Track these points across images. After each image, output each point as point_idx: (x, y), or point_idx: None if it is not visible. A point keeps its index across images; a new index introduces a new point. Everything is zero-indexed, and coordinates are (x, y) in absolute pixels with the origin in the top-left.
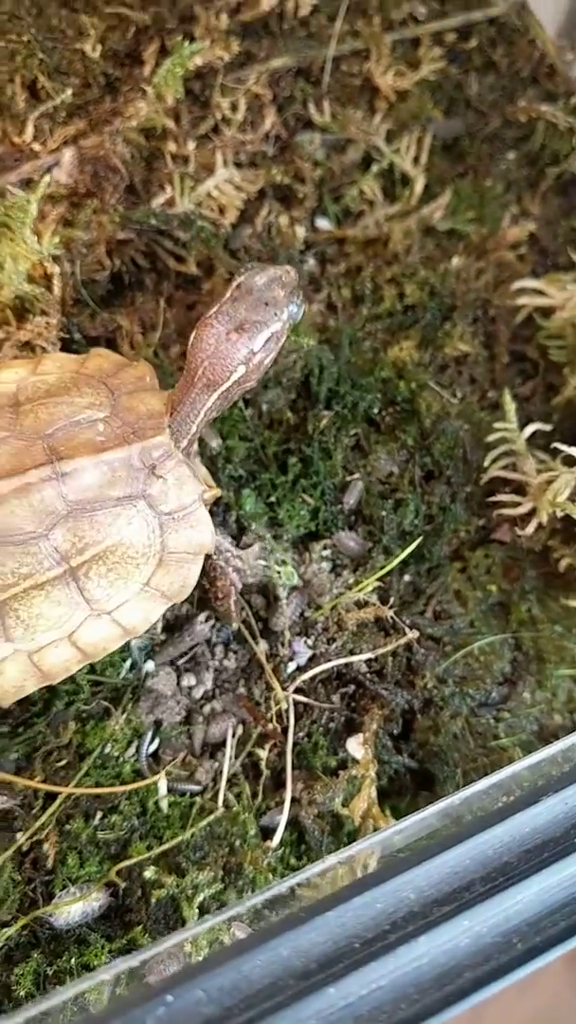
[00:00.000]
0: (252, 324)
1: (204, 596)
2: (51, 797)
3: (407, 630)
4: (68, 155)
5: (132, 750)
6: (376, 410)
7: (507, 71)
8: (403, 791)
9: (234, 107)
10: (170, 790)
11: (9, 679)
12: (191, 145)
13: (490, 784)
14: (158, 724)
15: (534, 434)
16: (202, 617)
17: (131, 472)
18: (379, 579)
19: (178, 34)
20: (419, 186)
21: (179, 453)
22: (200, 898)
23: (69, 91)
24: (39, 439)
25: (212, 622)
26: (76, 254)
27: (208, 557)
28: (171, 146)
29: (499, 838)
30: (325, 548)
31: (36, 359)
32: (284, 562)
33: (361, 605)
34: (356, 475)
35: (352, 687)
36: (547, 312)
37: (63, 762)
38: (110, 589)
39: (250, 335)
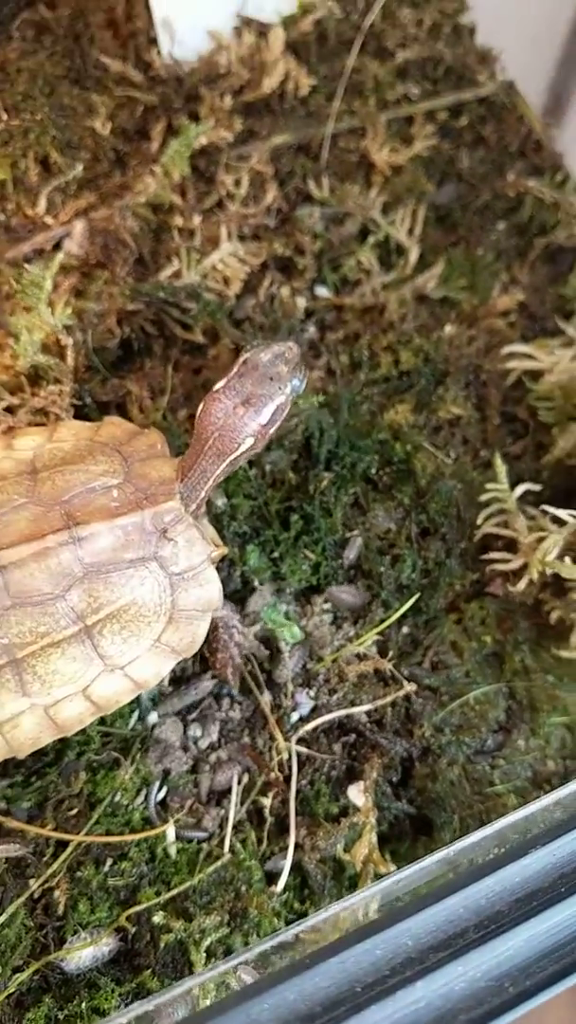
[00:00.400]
0: (258, 398)
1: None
2: (63, 845)
3: (404, 682)
4: (79, 228)
5: (141, 798)
6: (374, 470)
7: (496, 146)
8: (403, 836)
9: (237, 183)
10: (178, 837)
11: (26, 732)
12: (197, 219)
13: (484, 835)
14: (166, 773)
15: (525, 492)
16: (208, 673)
17: (144, 535)
18: (378, 632)
19: (184, 113)
20: (413, 256)
21: (189, 516)
22: (207, 942)
23: (80, 166)
24: (56, 505)
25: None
26: (88, 324)
27: (214, 628)
28: (178, 220)
29: (491, 888)
30: (326, 601)
31: (52, 427)
32: (288, 618)
33: (361, 658)
34: (355, 532)
35: (353, 736)
36: (536, 375)
37: (74, 811)
38: (123, 646)
39: (256, 409)
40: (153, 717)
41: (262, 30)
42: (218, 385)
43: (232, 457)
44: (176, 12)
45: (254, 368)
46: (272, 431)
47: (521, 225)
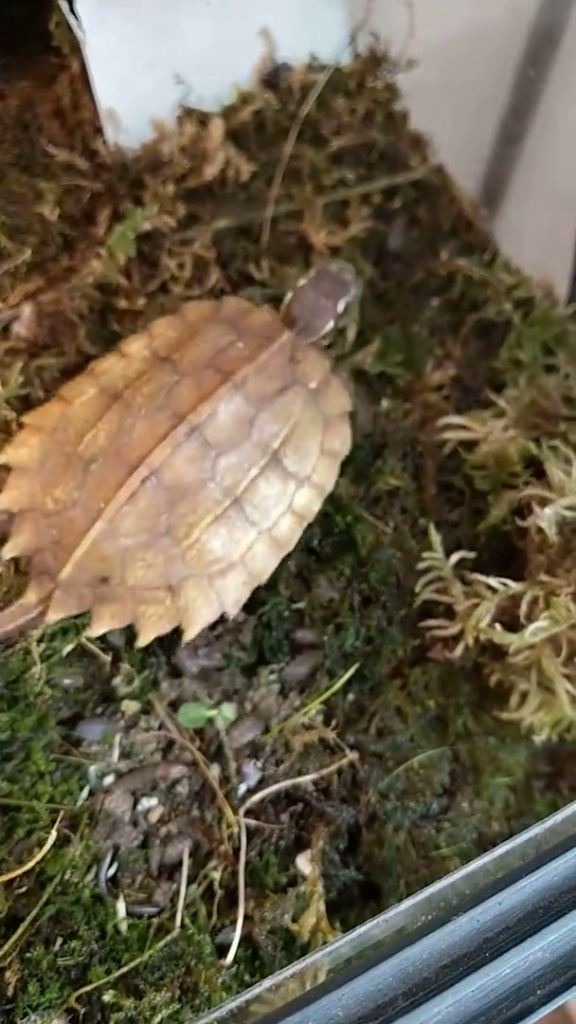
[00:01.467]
0: (334, 295)
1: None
2: (13, 925)
3: (347, 751)
4: (27, 311)
5: (91, 875)
6: (316, 541)
7: (430, 226)
8: (352, 902)
9: (181, 266)
10: (128, 913)
11: (260, 558)
12: (141, 301)
13: (414, 903)
14: (116, 849)
15: (463, 559)
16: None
17: (279, 366)
18: (322, 702)
19: (129, 199)
20: (352, 334)
21: (302, 342)
22: (157, 1019)
23: (28, 251)
24: (204, 369)
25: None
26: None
27: None
28: (123, 302)
29: (418, 955)
30: (272, 673)
31: (141, 333)
32: (218, 706)
33: (307, 727)
34: (300, 603)
35: (300, 805)
36: (470, 445)
37: (24, 889)
38: (303, 460)
39: (334, 302)
40: (107, 788)
41: (203, 119)
42: (301, 282)
43: (316, 337)
44: (120, 103)
45: (327, 274)
46: (343, 320)
47: (453, 302)
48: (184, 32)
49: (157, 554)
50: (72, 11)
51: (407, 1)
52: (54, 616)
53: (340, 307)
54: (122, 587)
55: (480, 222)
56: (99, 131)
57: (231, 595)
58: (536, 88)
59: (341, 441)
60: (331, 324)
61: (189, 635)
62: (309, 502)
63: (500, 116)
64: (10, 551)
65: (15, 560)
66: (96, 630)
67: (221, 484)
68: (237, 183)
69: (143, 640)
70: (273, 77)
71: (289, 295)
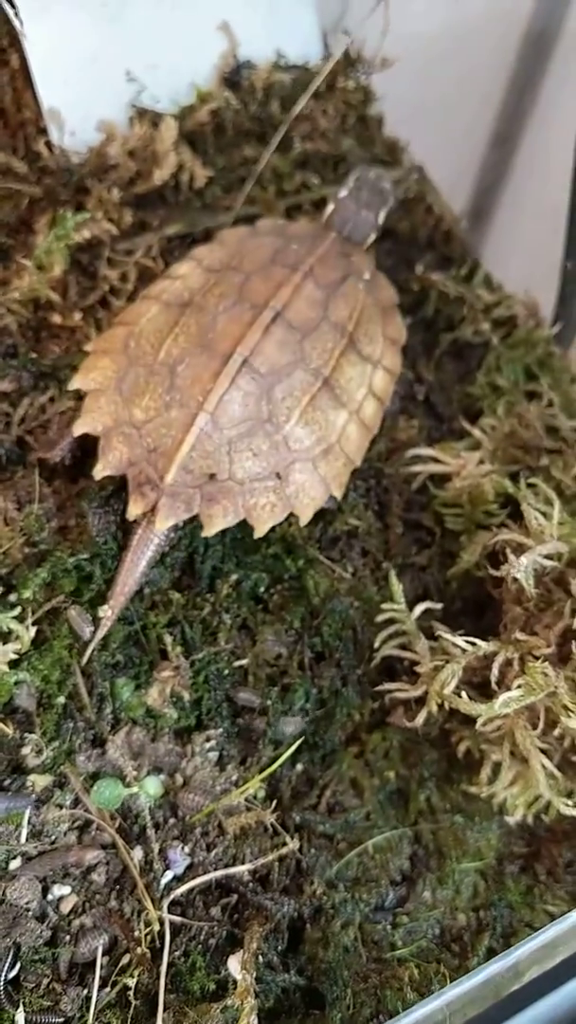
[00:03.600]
0: (374, 204)
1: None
2: None
3: (288, 840)
4: None
5: None
6: (263, 589)
7: (407, 237)
8: (293, 1011)
9: (123, 277)
10: None
11: (354, 440)
12: (77, 316)
13: None
14: (17, 947)
15: (430, 608)
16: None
17: (334, 259)
18: (262, 780)
19: (71, 206)
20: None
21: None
22: None
23: None
24: (270, 265)
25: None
26: None
27: None
28: (56, 318)
29: None
30: (208, 740)
31: (185, 260)
32: (137, 779)
33: (246, 808)
34: (244, 659)
35: (234, 897)
36: (442, 480)
37: None
38: (372, 344)
39: (374, 212)
40: (12, 867)
41: (156, 120)
42: (342, 193)
43: (360, 245)
44: (64, 101)
45: (366, 183)
46: (381, 228)
47: (427, 320)
48: (135, 25)
49: (263, 441)
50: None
51: None
52: (163, 524)
53: (381, 218)
54: (231, 481)
55: (460, 233)
56: (43, 132)
57: (335, 477)
58: (527, 96)
59: (398, 329)
60: (373, 236)
61: (304, 520)
62: (386, 385)
63: (488, 125)
64: (103, 470)
65: None
66: (210, 530)
67: (310, 366)
68: (191, 188)
69: (259, 532)
70: (235, 76)
71: (331, 206)
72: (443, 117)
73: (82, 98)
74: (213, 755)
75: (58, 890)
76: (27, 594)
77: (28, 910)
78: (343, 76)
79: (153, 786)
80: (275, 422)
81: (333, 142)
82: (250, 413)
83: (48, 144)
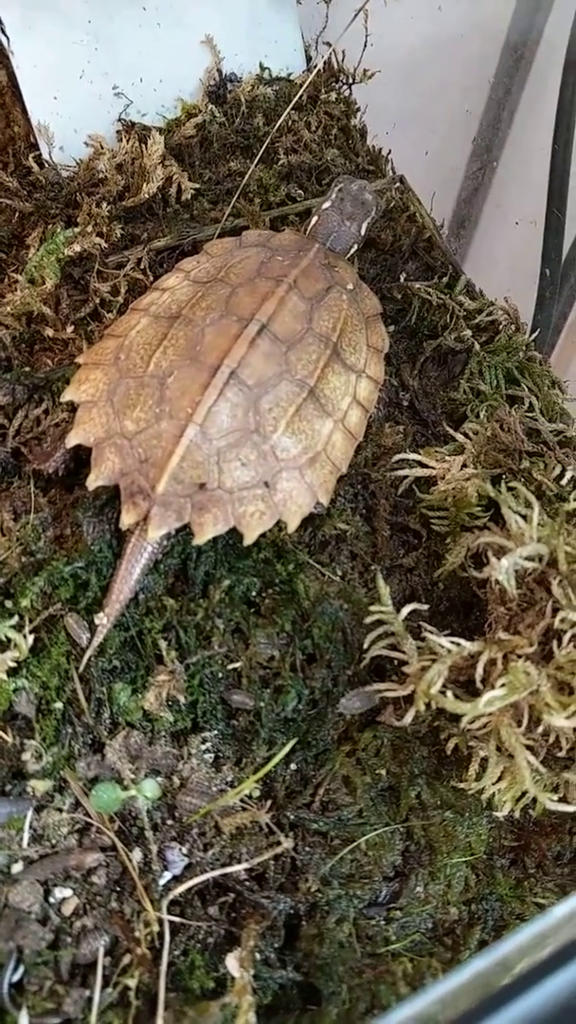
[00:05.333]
0: (357, 216)
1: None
2: None
3: (282, 839)
4: None
5: None
6: (254, 593)
7: (390, 247)
8: (291, 1006)
9: (114, 290)
10: None
11: (340, 449)
12: (70, 329)
13: None
14: (20, 950)
15: (417, 610)
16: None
17: (320, 270)
18: (258, 780)
19: (61, 220)
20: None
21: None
22: None
23: None
24: (254, 279)
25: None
26: None
27: None
28: (49, 331)
29: None
30: (204, 742)
31: (173, 273)
32: (135, 782)
33: (240, 808)
34: (237, 663)
35: (231, 896)
36: (427, 483)
37: None
38: (356, 353)
39: (357, 224)
40: (14, 871)
41: (143, 134)
42: (325, 205)
43: (344, 254)
44: (53, 117)
45: (348, 194)
46: (365, 239)
47: (411, 328)
48: (121, 40)
49: (251, 451)
50: None
51: (364, 9)
52: (155, 533)
53: (363, 230)
54: (220, 490)
55: (441, 242)
56: (33, 147)
57: (322, 484)
58: (506, 106)
59: (382, 339)
60: (355, 247)
61: (292, 527)
62: (369, 393)
63: (468, 135)
64: (96, 481)
65: None
66: (201, 538)
67: (295, 377)
68: (179, 201)
69: (248, 539)
70: (219, 89)
71: (314, 219)
72: (424, 127)
73: (70, 113)
74: (209, 756)
75: (59, 893)
76: (25, 603)
77: (30, 913)
78: (325, 88)
79: (151, 788)
80: (262, 432)
81: (316, 154)
82: (238, 424)
83: (38, 159)
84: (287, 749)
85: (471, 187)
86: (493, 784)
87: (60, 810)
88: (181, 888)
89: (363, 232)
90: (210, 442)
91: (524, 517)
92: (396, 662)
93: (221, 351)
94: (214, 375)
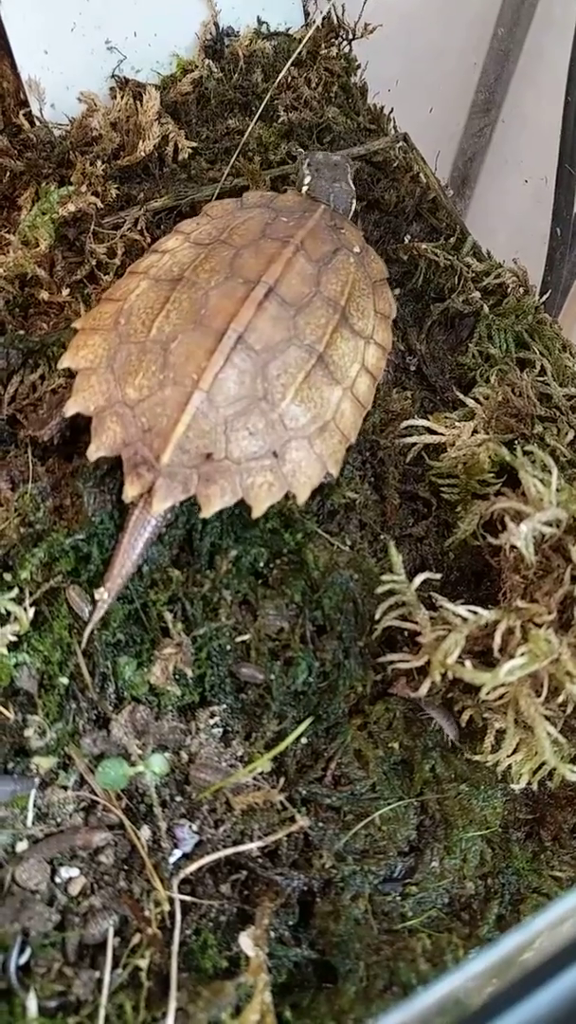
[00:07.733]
0: (339, 175)
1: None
2: None
3: (296, 816)
4: None
5: None
6: (262, 563)
7: (393, 208)
8: (306, 984)
9: (111, 251)
10: (42, 1011)
11: (348, 417)
12: (65, 292)
13: None
14: (26, 932)
15: (429, 579)
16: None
17: (326, 233)
18: (269, 759)
19: (54, 180)
20: None
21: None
22: None
23: None
24: (260, 240)
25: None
26: None
27: None
28: (44, 294)
29: None
30: (213, 716)
31: (171, 234)
32: (142, 758)
33: (251, 786)
34: (245, 635)
35: (243, 873)
36: (437, 450)
37: None
38: (364, 319)
39: (345, 181)
40: (19, 849)
41: (138, 91)
42: (307, 180)
43: (347, 216)
44: (44, 72)
45: (322, 163)
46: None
47: (417, 291)
48: None
49: (259, 419)
50: None
51: None
52: (160, 506)
53: (352, 184)
54: (227, 461)
55: (447, 202)
56: (23, 104)
57: (331, 455)
58: (509, 62)
59: (388, 304)
60: (355, 204)
61: (301, 499)
62: (377, 360)
63: (472, 90)
64: (97, 451)
65: None
66: (208, 511)
67: (304, 342)
68: (176, 160)
69: (257, 512)
70: (216, 44)
71: (304, 188)
72: (427, 84)
73: (62, 68)
74: (218, 731)
75: (66, 872)
76: (24, 575)
77: (36, 893)
78: (325, 44)
79: (159, 764)
80: (271, 400)
81: (317, 111)
82: (246, 391)
83: (29, 116)
84: (303, 728)
85: (476, 145)
86: (509, 756)
87: (65, 788)
88: (192, 867)
89: (353, 186)
90: (217, 410)
91: (542, 481)
92: (408, 633)
93: (227, 314)
94: (220, 340)
